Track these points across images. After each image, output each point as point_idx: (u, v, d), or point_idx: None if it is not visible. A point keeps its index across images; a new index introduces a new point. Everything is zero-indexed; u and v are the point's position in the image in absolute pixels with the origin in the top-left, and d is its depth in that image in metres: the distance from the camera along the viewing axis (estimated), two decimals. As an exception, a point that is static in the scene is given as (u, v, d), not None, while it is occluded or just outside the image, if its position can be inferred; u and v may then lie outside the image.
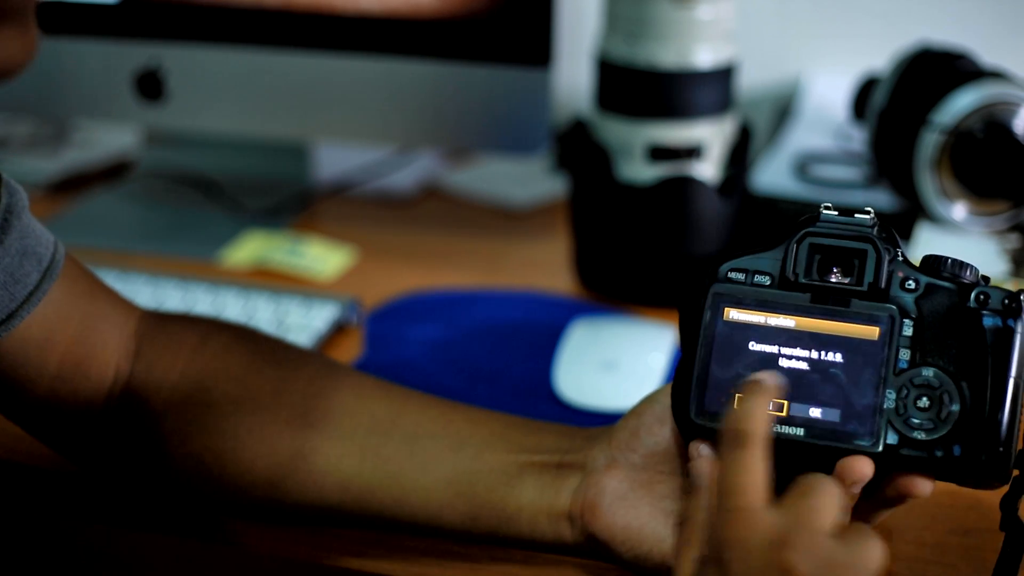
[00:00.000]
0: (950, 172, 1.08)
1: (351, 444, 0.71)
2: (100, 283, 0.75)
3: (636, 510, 0.67)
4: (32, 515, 0.86)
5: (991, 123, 1.07)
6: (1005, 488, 0.64)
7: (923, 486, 0.62)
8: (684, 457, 0.67)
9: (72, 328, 0.71)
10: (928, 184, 1.09)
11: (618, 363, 0.93)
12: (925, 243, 1.07)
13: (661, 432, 0.68)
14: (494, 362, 0.96)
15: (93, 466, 0.77)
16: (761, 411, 0.59)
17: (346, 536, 0.75)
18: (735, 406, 0.60)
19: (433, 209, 1.30)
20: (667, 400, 0.68)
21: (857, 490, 0.61)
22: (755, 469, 0.57)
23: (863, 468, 0.60)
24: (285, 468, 0.71)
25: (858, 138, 1.27)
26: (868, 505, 0.64)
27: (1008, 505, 0.64)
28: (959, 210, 1.09)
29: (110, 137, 1.44)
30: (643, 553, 0.66)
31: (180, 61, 1.19)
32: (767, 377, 0.61)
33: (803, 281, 0.64)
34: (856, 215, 0.65)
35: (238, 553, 0.79)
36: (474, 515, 0.69)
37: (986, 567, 0.68)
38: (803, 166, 1.27)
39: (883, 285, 0.63)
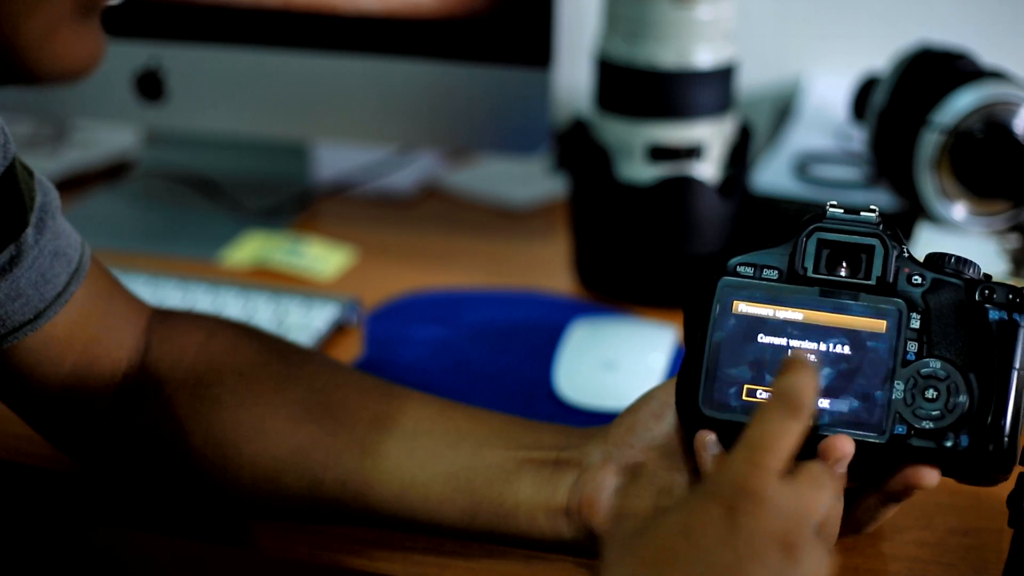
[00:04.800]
0: (950, 172, 1.08)
1: (351, 440, 0.71)
2: (117, 282, 0.76)
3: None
4: (34, 516, 0.86)
5: (991, 123, 1.07)
6: (1009, 486, 0.64)
7: (930, 476, 0.62)
8: (684, 452, 0.67)
9: (91, 327, 0.72)
10: (928, 184, 1.09)
11: (618, 363, 0.93)
12: (925, 243, 1.07)
13: (657, 428, 0.68)
14: (494, 362, 0.96)
15: (96, 461, 0.77)
16: (814, 385, 0.59)
17: (346, 536, 0.75)
18: (789, 372, 0.59)
19: (433, 209, 1.30)
20: (663, 396, 0.68)
21: (842, 469, 0.61)
22: (793, 438, 0.58)
23: (844, 446, 0.61)
24: (285, 462, 0.71)
25: (858, 138, 1.27)
26: (875, 501, 0.65)
27: (1016, 502, 0.64)
28: (959, 210, 1.09)
29: (110, 137, 1.44)
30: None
31: (180, 61, 1.19)
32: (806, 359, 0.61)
33: (812, 275, 0.65)
34: (862, 212, 0.66)
35: (238, 553, 0.79)
36: (473, 511, 0.70)
37: (986, 567, 0.68)
38: (803, 166, 1.27)
39: (891, 280, 0.64)
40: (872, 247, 0.65)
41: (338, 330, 1.01)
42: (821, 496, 0.57)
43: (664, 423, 0.68)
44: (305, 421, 0.72)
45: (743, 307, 0.66)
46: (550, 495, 0.68)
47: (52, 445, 0.77)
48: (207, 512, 0.78)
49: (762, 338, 0.65)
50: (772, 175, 1.25)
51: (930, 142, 1.08)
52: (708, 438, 0.65)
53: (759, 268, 0.66)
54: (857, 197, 1.20)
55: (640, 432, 0.68)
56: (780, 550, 0.55)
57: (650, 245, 1.04)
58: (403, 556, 0.74)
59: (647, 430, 0.68)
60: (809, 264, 0.65)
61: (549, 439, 0.71)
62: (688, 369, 0.66)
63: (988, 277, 0.65)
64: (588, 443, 0.69)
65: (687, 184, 1.02)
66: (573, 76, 1.30)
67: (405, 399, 0.74)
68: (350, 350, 0.99)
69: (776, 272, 0.66)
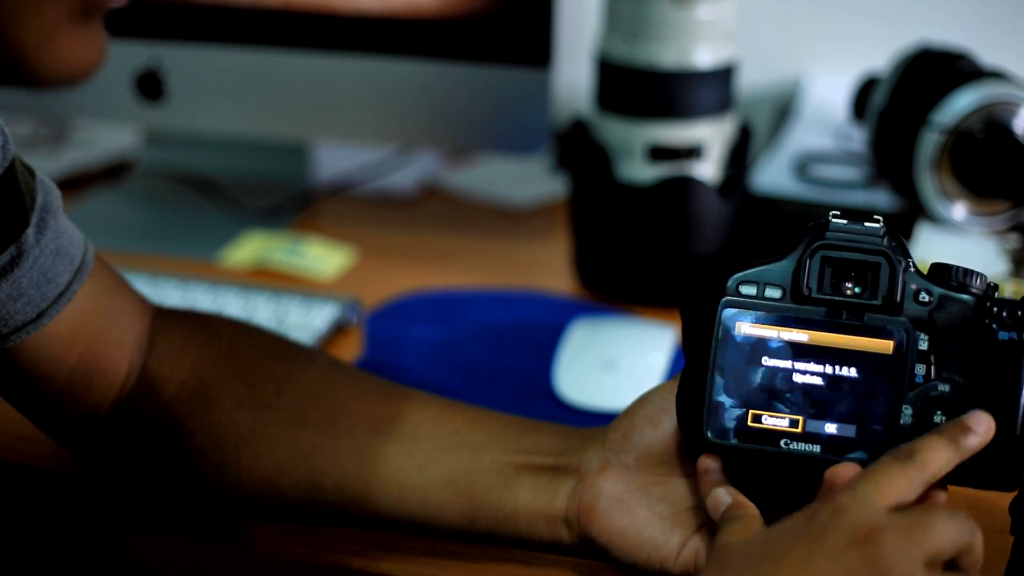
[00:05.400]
0: (950, 172, 1.08)
1: (350, 443, 0.71)
2: (122, 280, 0.76)
3: (632, 514, 0.67)
4: (34, 516, 0.86)
5: (991, 123, 1.07)
6: (1011, 490, 0.63)
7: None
8: (683, 461, 0.67)
9: (95, 325, 0.72)
10: (928, 184, 1.09)
11: (618, 363, 0.93)
12: (925, 243, 1.07)
13: (653, 433, 0.67)
14: (494, 362, 0.96)
15: (99, 460, 0.77)
16: (946, 458, 0.59)
17: (346, 536, 0.75)
18: (930, 437, 0.60)
19: (433, 209, 1.30)
20: (659, 401, 0.68)
21: None
22: (901, 482, 0.58)
23: (850, 474, 0.60)
24: (284, 466, 0.71)
25: (858, 138, 1.27)
26: None
27: (1018, 510, 0.64)
28: (959, 210, 1.09)
29: (110, 137, 1.44)
30: (642, 558, 0.66)
31: (180, 61, 1.19)
32: (979, 425, 0.60)
33: (816, 295, 0.64)
34: (866, 223, 0.64)
35: (238, 553, 0.79)
36: (472, 515, 0.69)
37: (987, 568, 0.68)
38: (803, 166, 1.27)
39: (898, 299, 0.63)
40: (878, 265, 0.63)
41: (338, 330, 1.01)
42: (930, 524, 0.57)
43: (660, 429, 0.67)
44: (305, 424, 0.72)
45: (746, 329, 0.64)
46: (549, 501, 0.68)
47: (55, 443, 0.77)
48: (207, 512, 0.78)
49: (766, 361, 0.64)
50: (772, 175, 1.25)
51: (930, 142, 1.08)
52: (712, 465, 0.64)
53: (761, 287, 0.64)
54: (857, 197, 1.20)
55: (636, 438, 0.68)
56: (854, 546, 0.55)
57: (650, 245, 1.04)
58: (403, 556, 0.74)
59: (642, 436, 0.68)
60: (813, 284, 0.64)
61: (548, 442, 0.70)
62: (691, 392, 0.65)
63: (995, 288, 0.64)
64: (586, 448, 0.69)
65: (687, 184, 1.02)
66: (573, 76, 1.30)
67: (405, 401, 0.73)
68: (350, 350, 0.99)
69: (779, 291, 0.64)
